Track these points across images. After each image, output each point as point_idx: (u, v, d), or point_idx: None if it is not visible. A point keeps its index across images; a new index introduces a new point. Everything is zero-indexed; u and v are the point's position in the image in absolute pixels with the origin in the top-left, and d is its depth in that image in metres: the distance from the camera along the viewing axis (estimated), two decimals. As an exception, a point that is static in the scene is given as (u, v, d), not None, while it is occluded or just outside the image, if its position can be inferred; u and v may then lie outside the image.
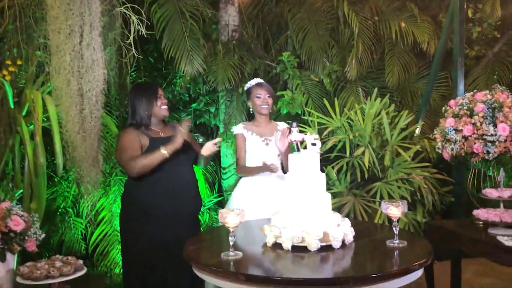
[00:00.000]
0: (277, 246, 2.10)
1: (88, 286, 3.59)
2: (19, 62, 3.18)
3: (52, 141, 3.05)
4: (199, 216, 2.97)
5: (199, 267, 1.99)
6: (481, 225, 2.77)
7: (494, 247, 2.46)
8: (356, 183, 3.60)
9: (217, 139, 2.77)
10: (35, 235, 2.39)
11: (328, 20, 4.52)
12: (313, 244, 2.02)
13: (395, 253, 2.06)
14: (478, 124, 2.67)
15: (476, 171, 2.93)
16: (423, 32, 4.45)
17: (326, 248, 2.05)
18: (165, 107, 2.76)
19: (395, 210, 2.12)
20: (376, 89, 3.97)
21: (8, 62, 3.15)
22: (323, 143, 3.43)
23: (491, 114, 2.68)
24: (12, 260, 2.41)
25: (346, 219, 2.25)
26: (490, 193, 2.68)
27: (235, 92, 4.34)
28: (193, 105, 4.72)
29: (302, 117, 4.08)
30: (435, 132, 2.97)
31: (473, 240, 2.67)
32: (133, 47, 3.02)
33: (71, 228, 4.14)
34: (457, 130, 2.77)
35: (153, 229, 2.61)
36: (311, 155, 2.21)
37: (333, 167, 3.54)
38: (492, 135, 2.62)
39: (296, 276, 1.84)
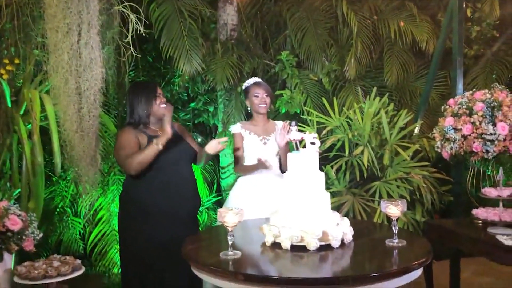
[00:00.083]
0: (276, 245, 2.10)
1: (86, 286, 3.59)
2: (16, 61, 3.17)
3: (50, 140, 3.04)
4: (197, 215, 2.97)
5: (197, 267, 1.99)
6: (480, 224, 2.77)
7: (493, 246, 2.46)
8: (355, 182, 3.59)
9: (224, 138, 2.76)
10: (32, 235, 2.38)
11: (327, 20, 4.51)
12: (312, 244, 2.02)
13: (395, 253, 2.06)
14: (477, 123, 2.67)
15: (475, 170, 2.93)
16: (422, 32, 4.45)
17: (325, 248, 2.05)
18: (164, 105, 2.76)
19: (394, 209, 2.12)
20: (375, 88, 3.97)
21: (6, 61, 3.14)
22: (322, 142, 3.42)
23: (490, 113, 2.68)
24: (9, 259, 2.40)
25: (345, 218, 2.25)
26: (490, 192, 2.68)
27: (234, 92, 4.33)
28: (192, 105, 4.71)
29: (301, 116, 4.08)
30: (434, 131, 2.97)
31: (472, 239, 2.66)
32: (131, 46, 3.01)
33: (69, 227, 4.13)
34: (456, 129, 2.77)
35: (151, 228, 2.61)
36: (310, 154, 2.21)
37: (332, 167, 3.53)
38: (491, 134, 2.63)
39: (295, 275, 1.83)
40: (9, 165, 3.35)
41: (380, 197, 3.35)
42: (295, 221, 2.10)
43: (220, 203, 4.45)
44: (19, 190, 3.24)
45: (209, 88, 4.53)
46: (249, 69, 4.25)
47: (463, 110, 2.77)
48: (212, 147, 2.73)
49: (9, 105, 3.25)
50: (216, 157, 4.57)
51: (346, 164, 3.55)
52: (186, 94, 4.77)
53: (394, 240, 2.11)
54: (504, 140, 2.62)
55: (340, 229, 2.11)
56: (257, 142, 3.08)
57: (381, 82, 4.47)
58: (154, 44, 4.41)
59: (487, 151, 2.65)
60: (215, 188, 4.66)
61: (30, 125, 3.15)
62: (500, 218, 2.58)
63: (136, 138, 2.64)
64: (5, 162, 3.30)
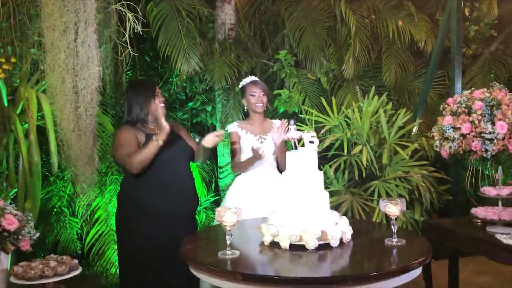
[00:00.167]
0: (274, 245, 2.09)
1: (84, 286, 3.57)
2: (13, 60, 3.15)
3: (47, 140, 3.02)
4: (195, 215, 2.96)
5: (196, 266, 1.98)
6: (479, 224, 2.76)
7: (493, 245, 2.45)
8: (354, 182, 3.58)
9: (220, 131, 2.74)
10: (29, 234, 2.36)
11: (325, 19, 4.49)
12: (311, 243, 2.01)
13: (394, 252, 2.05)
14: (476, 122, 2.67)
15: (474, 170, 2.92)
16: (420, 31, 4.43)
17: (324, 247, 2.04)
18: (162, 105, 2.75)
19: (393, 208, 2.11)
20: (373, 87, 3.96)
21: (2, 59, 3.11)
22: (320, 141, 3.41)
23: (489, 112, 2.68)
24: (6, 259, 2.38)
25: (344, 217, 2.24)
26: (489, 191, 2.67)
27: (232, 91, 4.31)
28: (190, 104, 4.69)
29: (299, 115, 4.06)
30: (433, 130, 2.97)
31: (471, 239, 2.66)
32: (128, 45, 2.99)
33: (67, 228, 4.11)
34: (455, 128, 2.77)
35: (149, 228, 2.59)
36: (309, 153, 2.20)
37: (330, 166, 3.52)
38: (490, 133, 2.62)
39: (294, 275, 1.82)
40: (6, 165, 3.33)
41: (379, 196, 3.34)
42: (293, 220, 2.09)
43: (218, 203, 4.43)
44: (15, 190, 3.22)
45: (207, 88, 4.51)
46: (247, 69, 4.24)
47: (462, 109, 2.76)
48: (209, 140, 2.72)
49: (6, 104, 3.23)
50: (214, 157, 4.56)
51: (344, 163, 3.54)
52: (184, 94, 4.76)
53: (393, 239, 2.11)
54: (503, 139, 2.61)
55: (339, 228, 2.10)
56: (253, 141, 3.07)
57: (380, 82, 4.46)
58: (151, 43, 4.39)
59: (486, 150, 2.64)
60: (213, 188, 4.65)
61: (26, 124, 3.13)
62: (499, 217, 2.58)
63: (135, 136, 2.63)
64: (1, 161, 3.29)
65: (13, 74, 3.37)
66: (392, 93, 4.49)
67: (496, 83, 2.86)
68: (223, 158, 4.42)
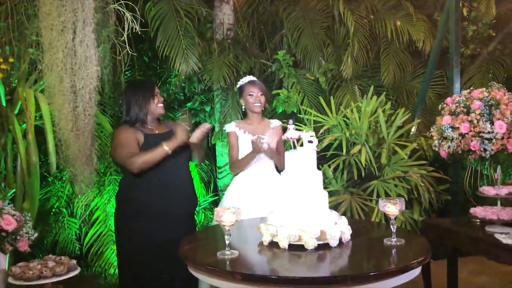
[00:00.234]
0: (273, 244, 2.08)
1: (82, 286, 3.56)
2: (11, 60, 3.14)
3: (45, 140, 3.01)
4: (194, 215, 2.95)
5: (194, 267, 1.97)
6: (478, 223, 2.76)
7: (492, 245, 2.45)
8: (353, 182, 3.58)
9: (206, 126, 2.72)
10: (27, 235, 2.35)
11: (324, 19, 4.50)
12: (310, 243, 2.00)
13: (393, 251, 2.05)
14: (475, 121, 2.67)
15: (472, 169, 2.93)
16: (419, 31, 4.44)
17: (323, 247, 2.03)
18: (161, 105, 2.75)
19: (392, 208, 2.10)
20: (372, 87, 3.96)
21: (0, 59, 3.10)
22: (319, 141, 3.41)
23: (487, 111, 2.68)
24: (4, 260, 2.37)
25: (343, 217, 2.23)
26: (488, 191, 2.67)
27: (230, 91, 4.31)
28: (188, 104, 4.69)
29: (298, 115, 4.06)
30: (432, 130, 2.97)
31: (470, 238, 2.66)
32: (127, 44, 2.98)
33: (65, 228, 4.10)
34: (453, 128, 2.77)
35: (148, 228, 2.58)
36: (308, 153, 2.19)
37: (329, 166, 3.52)
38: (489, 132, 2.62)
39: (293, 275, 1.81)
40: (4, 165, 3.32)
41: (378, 196, 3.33)
42: (292, 220, 2.08)
43: (216, 203, 4.42)
44: (13, 190, 3.21)
45: (206, 88, 4.51)
46: (246, 69, 4.23)
47: (461, 108, 2.76)
48: (195, 135, 2.70)
49: (4, 104, 3.22)
50: (213, 157, 4.55)
51: (343, 163, 3.54)
52: (182, 94, 4.75)
53: (392, 239, 2.10)
54: (502, 138, 2.61)
55: (338, 228, 2.10)
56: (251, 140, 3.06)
57: (378, 82, 4.46)
58: (150, 43, 4.39)
59: (485, 150, 2.64)
60: (211, 188, 4.65)
61: (24, 124, 3.12)
62: (498, 217, 2.57)
63: (134, 136, 2.62)
64: (-1, 162, 3.28)
65: (11, 74, 3.36)
66: (391, 93, 4.50)
67: (495, 83, 2.86)
68: (222, 158, 4.41)
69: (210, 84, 4.20)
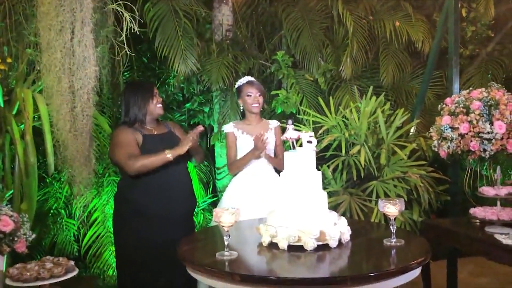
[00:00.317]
0: (272, 245, 2.07)
1: (80, 288, 3.54)
2: (9, 60, 3.13)
3: (43, 141, 2.99)
4: (193, 216, 2.94)
5: (193, 267, 1.96)
6: (477, 224, 2.76)
7: (492, 245, 2.44)
8: (352, 182, 3.57)
9: (199, 129, 2.70)
10: (25, 236, 2.33)
11: (322, 19, 4.49)
12: (310, 243, 1.99)
13: (393, 252, 2.04)
14: (475, 121, 2.66)
15: (472, 170, 2.92)
16: (418, 31, 4.44)
17: (323, 247, 2.02)
18: (160, 105, 2.74)
19: (392, 208, 2.09)
20: (371, 88, 3.96)
21: (-2, 60, 3.10)
22: (318, 142, 3.40)
23: (487, 111, 2.67)
24: (1, 261, 2.36)
25: (343, 218, 2.22)
26: (487, 191, 2.67)
27: (229, 92, 4.30)
28: (187, 105, 4.68)
29: (297, 116, 4.06)
30: (431, 130, 2.96)
31: (470, 239, 2.65)
32: (125, 45, 2.97)
33: (63, 229, 4.09)
34: (453, 128, 2.76)
35: (146, 229, 2.57)
36: (307, 153, 2.19)
37: (328, 166, 3.51)
38: (488, 132, 2.61)
39: (293, 275, 1.81)
40: (2, 166, 3.30)
41: (377, 196, 3.33)
42: (292, 220, 2.07)
43: (215, 204, 4.41)
44: (11, 191, 3.19)
45: (205, 89, 4.50)
46: (245, 69, 4.23)
47: (460, 109, 2.76)
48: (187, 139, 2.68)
49: (2, 105, 3.20)
50: (211, 158, 4.54)
51: (342, 163, 3.53)
52: (181, 95, 4.74)
53: (392, 240, 2.09)
54: (502, 138, 2.61)
55: (338, 229, 2.09)
56: (250, 141, 3.05)
57: (377, 82, 4.46)
58: (149, 44, 4.39)
59: (485, 150, 2.64)
60: (210, 189, 4.63)
61: (22, 125, 3.11)
62: (498, 217, 2.57)
63: (133, 137, 2.61)
64: (-3, 163, 3.26)
65: (9, 74, 3.35)
66: (390, 94, 4.50)
67: (494, 83, 2.86)
68: (221, 159, 4.40)
69: (209, 84, 4.19)
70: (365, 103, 3.74)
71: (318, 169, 2.24)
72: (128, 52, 3.07)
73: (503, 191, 2.62)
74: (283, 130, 2.62)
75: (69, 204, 4.13)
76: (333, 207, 3.25)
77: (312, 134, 2.25)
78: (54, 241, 4.05)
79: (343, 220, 2.19)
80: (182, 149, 2.55)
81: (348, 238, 2.13)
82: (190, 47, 4.04)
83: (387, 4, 4.61)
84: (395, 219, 2.12)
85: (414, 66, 4.72)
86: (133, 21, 2.94)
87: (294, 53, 4.36)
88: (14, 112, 3.24)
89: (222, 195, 3.28)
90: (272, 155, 3.14)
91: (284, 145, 3.35)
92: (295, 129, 2.38)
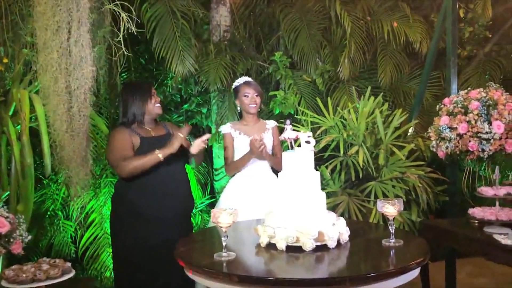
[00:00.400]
0: (271, 246, 2.06)
1: (77, 290, 3.51)
2: (5, 60, 3.11)
3: (40, 142, 2.97)
4: (191, 217, 2.92)
5: (191, 268, 1.94)
6: (476, 224, 2.75)
7: (491, 245, 2.44)
8: (350, 183, 3.57)
9: (206, 136, 2.71)
10: (21, 237, 2.31)
11: (320, 20, 4.49)
12: (308, 244, 1.98)
13: (391, 252, 2.03)
14: (473, 121, 2.66)
15: (470, 171, 2.92)
16: (415, 32, 4.44)
17: (321, 248, 2.01)
18: (159, 105, 2.73)
19: (391, 209, 2.09)
20: (369, 88, 3.96)
21: (-6, 60, 3.08)
22: (316, 142, 3.40)
23: (485, 111, 2.67)
24: (-3, 263, 2.34)
25: (341, 218, 2.22)
26: (486, 191, 2.66)
27: (227, 93, 4.29)
28: (185, 106, 4.67)
29: (295, 116, 4.05)
30: (430, 130, 2.96)
31: (469, 239, 2.64)
32: (123, 45, 2.96)
33: (61, 231, 4.06)
34: (451, 128, 2.76)
35: (144, 230, 2.56)
36: (305, 153, 2.18)
37: (326, 167, 3.50)
38: (487, 132, 2.61)
39: (291, 276, 1.79)
40: (-2, 167, 3.28)
41: (376, 197, 3.32)
42: (290, 221, 2.06)
43: (213, 205, 4.39)
44: (8, 192, 3.17)
45: (202, 90, 4.49)
46: (243, 70, 4.22)
47: (459, 109, 2.76)
48: (196, 145, 2.69)
49: (-2, 106, 3.19)
50: (209, 159, 4.53)
51: (341, 164, 3.53)
52: (179, 96, 4.73)
53: (391, 240, 2.08)
54: (500, 138, 2.60)
55: (336, 229, 2.08)
56: (247, 142, 3.04)
57: (375, 83, 4.46)
58: (146, 45, 4.38)
59: (483, 150, 2.63)
60: (208, 190, 4.62)
61: (19, 126, 3.09)
62: (497, 217, 2.56)
63: (129, 139, 2.60)
64: (-7, 164, 3.23)
65: (5, 75, 3.33)
66: (388, 94, 4.50)
67: (492, 83, 2.86)
68: (219, 160, 4.39)
69: (206, 85, 4.18)
70: (363, 104, 3.74)
71: (316, 170, 2.23)
72: (125, 53, 3.05)
73: (501, 191, 2.62)
74: (281, 130, 2.61)
75: (66, 206, 4.11)
76: (332, 208, 3.24)
77: (311, 134, 2.24)
78: (51, 243, 4.03)
79: (342, 221, 2.18)
80: (172, 148, 2.54)
81: (347, 238, 2.12)
82: (188, 48, 4.04)
83: (385, 4, 4.61)
84: (393, 219, 2.11)
85: (412, 66, 4.72)
86: (130, 22, 2.92)
87: (292, 54, 4.36)
88: (10, 113, 3.22)
89: (220, 196, 3.27)
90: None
91: (282, 146, 3.34)
92: (293, 129, 2.37)
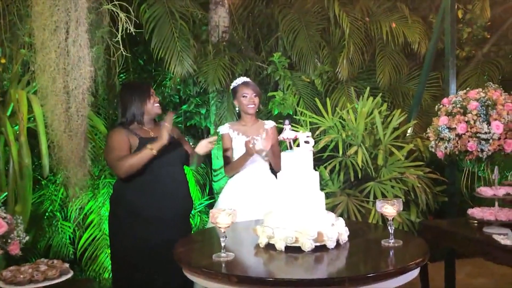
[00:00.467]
0: (270, 246, 2.06)
1: (75, 291, 3.50)
2: (3, 61, 3.10)
3: (38, 142, 2.97)
4: (190, 218, 2.91)
5: (190, 269, 1.93)
6: (475, 224, 2.75)
7: (490, 246, 2.43)
8: (349, 183, 3.56)
9: (213, 138, 2.71)
10: (18, 238, 2.30)
11: (319, 21, 4.50)
12: (307, 244, 1.97)
13: (391, 253, 2.02)
14: (472, 122, 2.66)
15: (469, 171, 2.92)
16: (414, 33, 4.45)
17: (320, 248, 2.01)
18: (158, 105, 2.72)
19: (390, 209, 2.08)
20: (368, 88, 3.96)
21: (-8, 61, 3.07)
22: (315, 142, 3.39)
23: (484, 111, 2.67)
24: (-5, 264, 2.33)
25: (340, 218, 2.21)
26: (485, 191, 2.66)
27: (226, 93, 4.29)
28: (184, 107, 4.66)
29: (294, 117, 4.05)
30: (428, 130, 2.95)
31: (468, 239, 2.64)
32: (121, 46, 2.95)
33: (59, 232, 4.05)
34: (450, 128, 2.76)
35: (142, 231, 2.55)
36: (304, 153, 2.17)
37: (325, 167, 3.50)
38: (486, 133, 2.61)
39: (290, 277, 1.79)
40: (-4, 168, 3.27)
41: (375, 197, 3.32)
42: (289, 221, 2.06)
43: (212, 206, 4.37)
44: (6, 193, 3.16)
45: (201, 90, 4.49)
46: (241, 71, 4.22)
47: (457, 109, 2.75)
48: (202, 147, 2.70)
49: (-4, 106, 3.18)
50: (208, 160, 4.52)
51: (340, 164, 3.52)
52: (177, 97, 4.72)
53: (390, 240, 2.08)
54: (499, 139, 2.60)
55: (336, 230, 2.07)
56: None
57: (374, 83, 4.46)
58: (145, 46, 4.37)
59: (482, 150, 2.63)
60: (207, 191, 4.61)
61: (17, 126, 3.08)
62: (496, 218, 2.56)
63: (127, 140, 2.59)
64: (-9, 164, 3.22)
65: (3, 75, 3.32)
66: (386, 95, 4.50)
67: (491, 83, 2.86)
68: (218, 161, 4.38)
69: (205, 86, 4.18)
70: (362, 104, 3.73)
71: (315, 170, 2.22)
72: (124, 53, 3.05)
73: (501, 191, 2.62)
74: (280, 130, 2.61)
75: (64, 207, 4.10)
76: (331, 208, 3.23)
77: (309, 134, 2.23)
78: (49, 244, 4.01)
79: (341, 221, 2.17)
80: (162, 140, 2.51)
81: (346, 239, 2.12)
82: (187, 48, 4.04)
83: (384, 5, 4.62)
84: (393, 219, 2.10)
85: (411, 67, 4.73)
86: (128, 22, 2.92)
87: (291, 55, 4.36)
88: (8, 114, 3.21)
89: (218, 197, 3.27)
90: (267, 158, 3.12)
91: (281, 146, 3.33)
92: (292, 130, 2.36)
